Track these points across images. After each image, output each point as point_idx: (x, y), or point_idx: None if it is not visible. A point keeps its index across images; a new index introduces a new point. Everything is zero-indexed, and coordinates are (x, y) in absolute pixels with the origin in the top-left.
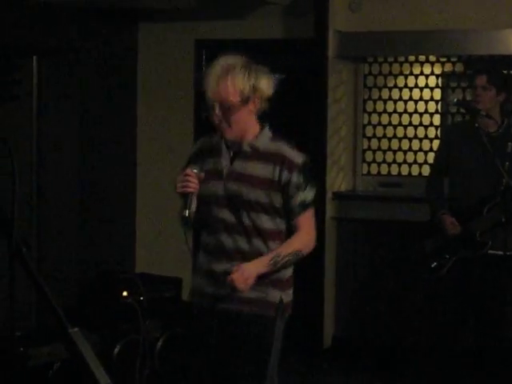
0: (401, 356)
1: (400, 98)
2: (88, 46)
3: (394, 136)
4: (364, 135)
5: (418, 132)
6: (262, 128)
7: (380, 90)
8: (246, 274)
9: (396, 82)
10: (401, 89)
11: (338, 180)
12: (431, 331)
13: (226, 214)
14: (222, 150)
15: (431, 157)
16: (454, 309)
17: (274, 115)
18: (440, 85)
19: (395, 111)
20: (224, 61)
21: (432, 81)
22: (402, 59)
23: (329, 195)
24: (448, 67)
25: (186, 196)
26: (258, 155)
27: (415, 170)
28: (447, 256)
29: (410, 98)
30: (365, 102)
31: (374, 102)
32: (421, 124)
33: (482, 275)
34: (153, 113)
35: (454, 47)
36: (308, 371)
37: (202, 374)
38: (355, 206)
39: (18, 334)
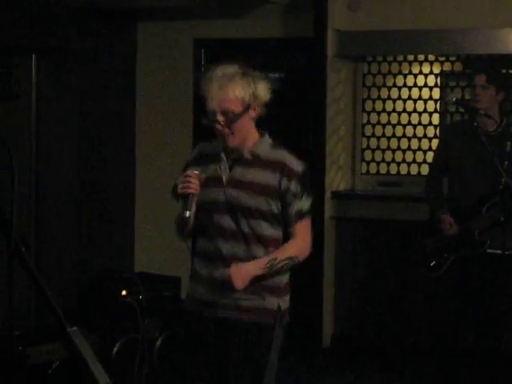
0: (400, 356)
1: (399, 97)
2: (87, 46)
3: (393, 135)
4: (363, 134)
5: (416, 131)
6: (262, 135)
7: (379, 89)
8: (243, 272)
9: (395, 81)
10: (400, 88)
11: (336, 179)
12: (431, 330)
13: (226, 221)
14: (222, 157)
15: (430, 156)
16: (453, 308)
17: (273, 115)
18: (439, 84)
19: (394, 110)
20: (223, 70)
21: (431, 80)
22: (400, 58)
23: (328, 194)
24: (447, 66)
25: (186, 197)
26: (258, 162)
27: (414, 169)
28: (446, 255)
29: (409, 97)
30: (364, 101)
31: (373, 101)
32: (420, 123)
33: (481, 274)
34: (152, 112)
35: (453, 46)
36: (307, 370)
37: (200, 376)
38: (354, 206)
39: (17, 333)
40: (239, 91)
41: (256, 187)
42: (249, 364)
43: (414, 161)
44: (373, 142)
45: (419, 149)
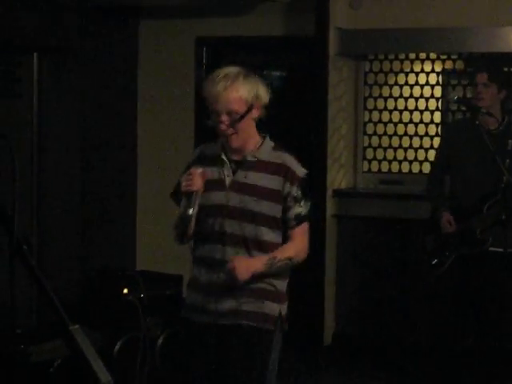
0: (401, 354)
1: (401, 96)
2: (89, 44)
3: (395, 133)
4: (365, 133)
5: (418, 129)
6: (263, 138)
7: (381, 87)
8: (246, 264)
9: (397, 80)
10: (401, 86)
11: (338, 177)
12: (431, 329)
13: (228, 225)
14: (224, 160)
15: (432, 154)
16: (454, 306)
17: (274, 113)
18: (441, 82)
19: (396, 109)
20: (226, 71)
21: (433, 78)
22: (402, 57)
23: (329, 193)
24: (449, 65)
25: (189, 195)
26: (261, 166)
27: (416, 168)
28: (447, 253)
29: (411, 96)
30: (365, 99)
31: (375, 99)
32: (421, 121)
33: (483, 272)
34: (154, 110)
35: (455, 45)
36: (308, 369)
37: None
38: (356, 204)
39: (18, 332)
40: (243, 92)
41: (260, 191)
42: (249, 369)
43: (416, 159)
44: (374, 140)
45: (421, 147)
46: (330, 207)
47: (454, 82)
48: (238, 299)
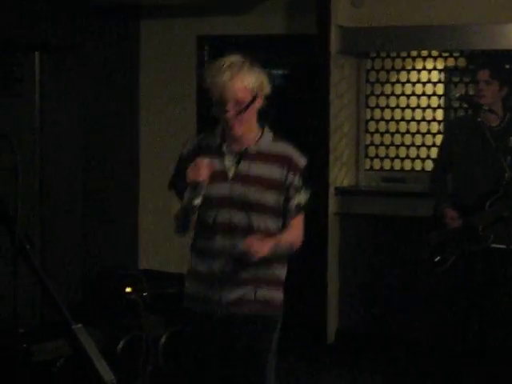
0: (405, 351)
1: (402, 93)
2: (90, 43)
3: (397, 131)
4: (367, 130)
5: (420, 127)
6: (262, 129)
7: (382, 85)
8: (261, 243)
9: (398, 77)
10: (403, 84)
11: (340, 175)
12: (434, 326)
13: (231, 216)
14: (225, 151)
15: (434, 152)
16: (457, 303)
17: (276, 111)
18: (442, 80)
19: (398, 106)
20: (230, 60)
21: (434, 76)
22: (404, 54)
23: (331, 190)
24: (450, 62)
25: (194, 186)
26: (262, 156)
27: (418, 165)
28: (450, 250)
29: (413, 93)
30: (367, 97)
31: (377, 97)
32: (423, 119)
33: (485, 269)
34: (155, 109)
35: (457, 42)
36: (311, 366)
37: (203, 373)
38: (358, 202)
39: (21, 331)
40: (248, 81)
41: (263, 182)
42: (253, 356)
43: (418, 157)
44: (376, 138)
45: (423, 145)
46: (333, 205)
47: (455, 79)
48: (242, 288)
